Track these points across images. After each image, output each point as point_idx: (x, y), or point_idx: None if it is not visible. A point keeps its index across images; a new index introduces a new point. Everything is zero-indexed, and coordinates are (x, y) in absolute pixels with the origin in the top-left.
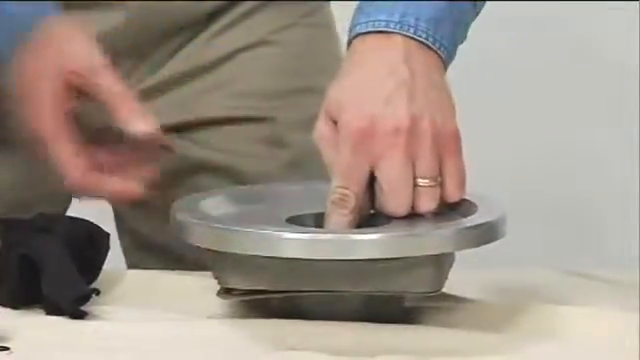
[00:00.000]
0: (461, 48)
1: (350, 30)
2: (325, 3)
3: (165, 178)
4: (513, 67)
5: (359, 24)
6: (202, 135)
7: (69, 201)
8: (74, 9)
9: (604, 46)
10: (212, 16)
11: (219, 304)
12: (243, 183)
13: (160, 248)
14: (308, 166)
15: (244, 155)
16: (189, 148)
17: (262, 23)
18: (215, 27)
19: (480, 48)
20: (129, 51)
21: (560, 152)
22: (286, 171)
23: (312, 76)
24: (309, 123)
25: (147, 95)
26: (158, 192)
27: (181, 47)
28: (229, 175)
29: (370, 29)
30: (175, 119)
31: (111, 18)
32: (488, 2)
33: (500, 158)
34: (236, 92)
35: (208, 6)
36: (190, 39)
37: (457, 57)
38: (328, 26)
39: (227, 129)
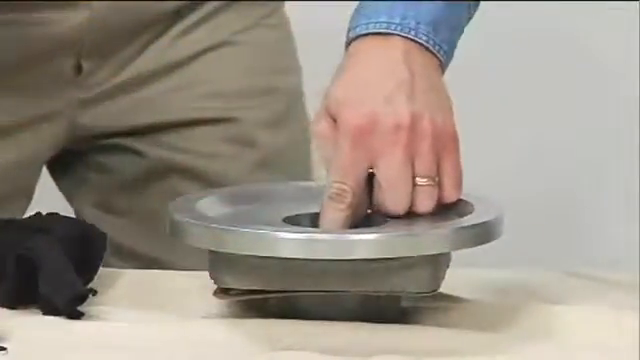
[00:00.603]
0: (460, 48)
1: (349, 31)
2: (281, 4)
3: (133, 182)
4: (512, 67)
5: (359, 25)
6: (169, 137)
7: (29, 201)
8: (40, 9)
9: (604, 46)
10: (176, 16)
11: (216, 304)
12: (212, 184)
13: (130, 252)
14: (276, 165)
15: (212, 156)
16: (157, 151)
17: (225, 24)
18: (179, 27)
19: (479, 48)
20: (92, 51)
21: (559, 152)
22: (254, 171)
23: (275, 76)
24: (275, 122)
25: (110, 95)
26: (126, 196)
27: (145, 47)
28: (198, 177)
29: (371, 30)
30: (141, 121)
31: (75, 17)
32: (488, 2)
33: (498, 158)
34: (202, 93)
35: (172, 6)
36: (154, 39)
37: (456, 57)
38: (286, 27)
39: (194, 130)
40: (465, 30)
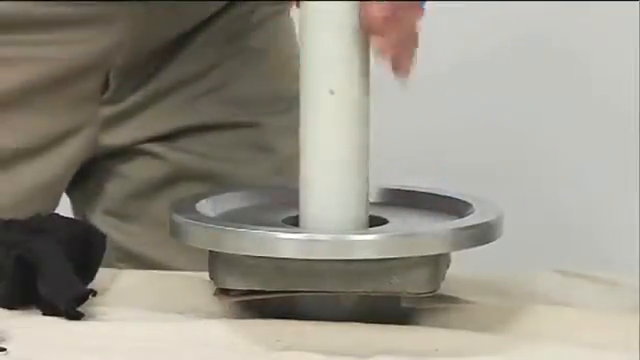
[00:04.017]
0: (463, 46)
1: None
2: (288, 9)
3: (148, 188)
4: (511, 67)
5: None
6: (189, 142)
7: None
8: (73, 27)
9: (604, 46)
10: (202, 26)
11: (215, 304)
12: None
13: (141, 259)
14: (294, 173)
15: (232, 161)
16: (176, 155)
17: (247, 31)
18: (202, 37)
19: (481, 48)
20: (122, 68)
21: (558, 152)
22: (273, 177)
23: (296, 83)
24: (295, 129)
25: (133, 110)
26: (140, 202)
27: (168, 60)
28: (216, 182)
29: None
30: (162, 128)
31: (111, 35)
32: (489, 1)
33: (498, 158)
34: (224, 99)
35: (203, 15)
36: (178, 51)
37: (456, 57)
38: (295, 33)
39: (214, 135)
40: (469, 31)
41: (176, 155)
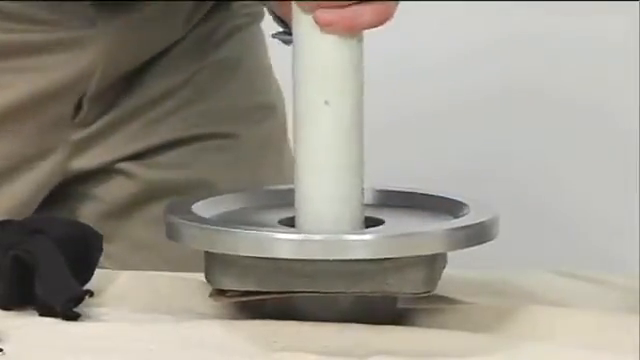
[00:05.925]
0: (458, 46)
1: None
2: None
3: (122, 207)
4: (510, 66)
5: None
6: (161, 158)
7: None
8: (48, 52)
9: (604, 47)
10: (169, 45)
11: (212, 305)
12: None
13: None
14: (272, 181)
15: (205, 173)
16: (148, 173)
17: (217, 44)
18: (171, 55)
19: (476, 45)
20: (96, 90)
21: (557, 151)
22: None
23: (271, 93)
24: (269, 140)
25: (104, 132)
26: (118, 222)
27: (139, 80)
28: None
29: None
30: (135, 147)
31: (84, 58)
32: (490, 2)
33: (495, 158)
34: (198, 111)
35: (172, 38)
36: (147, 71)
37: (454, 55)
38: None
39: (188, 148)
40: (469, 30)
41: (149, 172)
